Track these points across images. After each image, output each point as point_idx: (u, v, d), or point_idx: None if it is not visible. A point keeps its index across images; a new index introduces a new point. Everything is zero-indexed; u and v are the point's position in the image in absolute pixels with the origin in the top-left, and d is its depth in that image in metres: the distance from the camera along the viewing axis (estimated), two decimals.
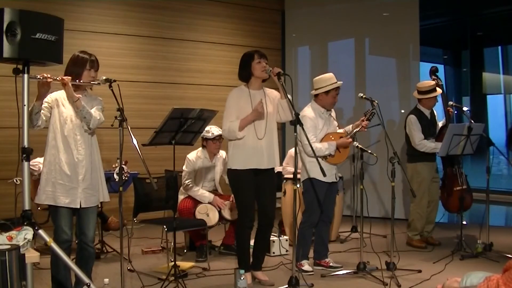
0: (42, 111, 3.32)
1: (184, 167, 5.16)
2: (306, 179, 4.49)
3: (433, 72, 5.51)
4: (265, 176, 4.11)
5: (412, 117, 5.34)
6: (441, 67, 12.10)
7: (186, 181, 5.09)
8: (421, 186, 5.31)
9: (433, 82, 5.40)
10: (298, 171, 3.99)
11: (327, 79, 4.54)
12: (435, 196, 5.50)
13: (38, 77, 3.15)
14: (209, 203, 5.06)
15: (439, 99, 5.44)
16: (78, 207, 3.41)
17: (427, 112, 5.40)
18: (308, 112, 4.51)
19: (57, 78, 3.25)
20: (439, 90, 5.34)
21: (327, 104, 4.55)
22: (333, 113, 4.70)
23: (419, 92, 5.39)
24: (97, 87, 3.54)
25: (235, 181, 4.13)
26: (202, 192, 5.10)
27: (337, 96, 4.56)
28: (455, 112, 5.49)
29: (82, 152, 3.42)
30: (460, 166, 5.39)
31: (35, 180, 4.87)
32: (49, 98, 3.40)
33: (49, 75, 3.20)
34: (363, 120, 4.49)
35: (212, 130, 5.06)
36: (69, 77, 3.31)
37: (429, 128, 5.36)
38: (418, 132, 5.29)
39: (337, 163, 4.59)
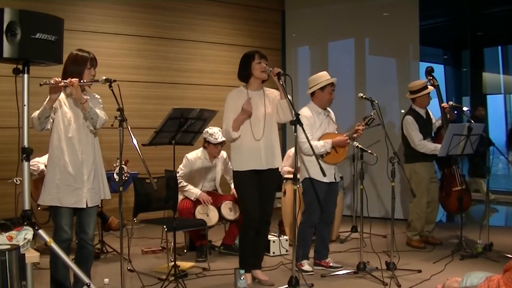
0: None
1: (181, 166, 5.16)
2: (305, 179, 4.49)
3: (429, 72, 5.53)
4: (266, 176, 4.11)
5: (409, 118, 5.34)
6: (441, 67, 12.10)
7: (179, 179, 5.07)
8: (419, 186, 5.30)
9: (424, 81, 5.43)
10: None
11: (321, 76, 4.57)
12: (435, 196, 5.50)
13: (51, 82, 3.16)
14: (195, 199, 5.06)
15: (436, 99, 5.47)
16: (85, 206, 3.42)
17: (422, 112, 5.40)
18: (305, 111, 4.51)
19: (66, 81, 3.25)
20: (430, 88, 5.36)
21: (324, 100, 4.54)
22: (332, 115, 4.69)
23: (411, 92, 5.42)
24: (97, 87, 3.54)
25: (238, 182, 4.14)
26: (189, 188, 5.09)
27: (333, 92, 4.54)
28: (455, 112, 5.49)
29: (86, 152, 3.43)
30: (458, 166, 5.39)
31: (35, 180, 4.87)
32: None
33: (59, 79, 3.22)
34: (360, 125, 4.48)
35: (216, 135, 5.04)
36: (77, 79, 3.30)
37: (425, 127, 5.37)
38: (416, 132, 5.28)
39: (335, 163, 4.58)
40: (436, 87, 5.43)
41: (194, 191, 5.09)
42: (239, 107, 4.02)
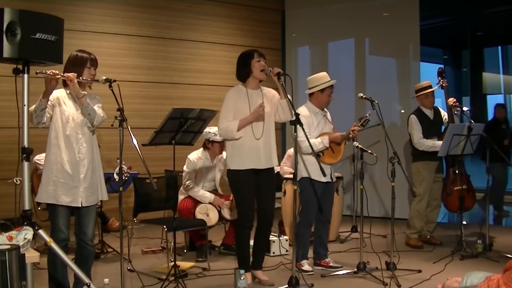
0: (47, 108, 3.32)
1: (184, 168, 5.16)
2: (302, 178, 4.48)
3: (440, 73, 5.55)
4: (264, 176, 4.10)
5: (413, 117, 5.40)
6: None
7: (187, 182, 5.09)
8: (422, 185, 5.34)
9: (428, 82, 5.47)
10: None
11: (322, 77, 4.57)
12: (437, 196, 5.51)
13: (48, 72, 3.15)
14: (209, 203, 5.07)
15: (442, 99, 5.49)
16: (80, 205, 3.41)
17: (428, 112, 5.43)
18: (303, 110, 4.52)
19: (64, 75, 3.25)
20: (434, 87, 5.39)
21: (322, 102, 4.56)
22: (328, 116, 4.70)
23: (415, 92, 5.49)
24: (97, 87, 3.54)
25: (234, 181, 4.13)
26: (202, 193, 5.10)
27: (331, 94, 4.57)
28: (456, 112, 5.49)
29: (83, 151, 3.42)
30: (461, 166, 5.39)
31: (39, 175, 4.86)
32: (51, 96, 3.38)
33: (57, 71, 3.21)
34: (355, 125, 4.49)
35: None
36: (75, 74, 3.31)
37: (431, 127, 5.38)
38: (417, 131, 5.32)
39: (331, 163, 4.59)
40: (445, 88, 5.45)
41: (207, 195, 5.09)
42: (238, 106, 4.02)
